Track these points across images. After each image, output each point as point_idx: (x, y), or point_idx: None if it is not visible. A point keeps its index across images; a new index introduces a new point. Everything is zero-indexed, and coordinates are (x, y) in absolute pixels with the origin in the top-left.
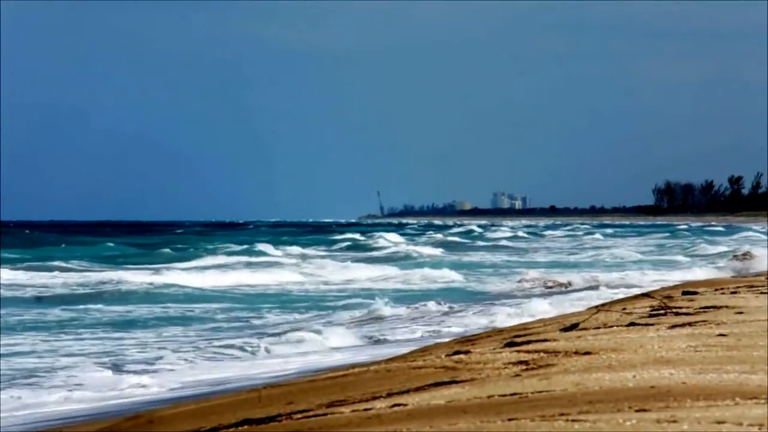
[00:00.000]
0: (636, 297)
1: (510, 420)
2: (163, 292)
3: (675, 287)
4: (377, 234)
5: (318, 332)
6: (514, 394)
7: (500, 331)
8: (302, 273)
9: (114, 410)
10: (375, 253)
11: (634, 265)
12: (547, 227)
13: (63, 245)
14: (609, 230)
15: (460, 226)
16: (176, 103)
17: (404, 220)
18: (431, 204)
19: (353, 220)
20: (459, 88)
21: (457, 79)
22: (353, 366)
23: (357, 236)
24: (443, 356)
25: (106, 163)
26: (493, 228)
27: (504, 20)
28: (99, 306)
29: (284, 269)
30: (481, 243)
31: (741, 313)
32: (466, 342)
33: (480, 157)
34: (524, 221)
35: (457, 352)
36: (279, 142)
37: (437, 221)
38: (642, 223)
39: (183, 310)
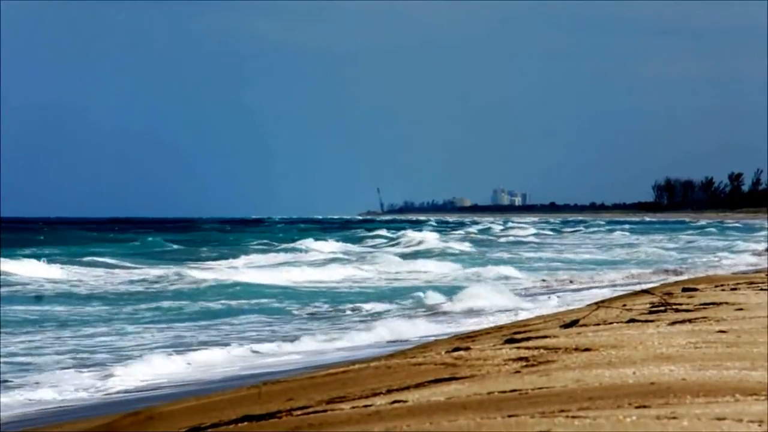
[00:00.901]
0: (636, 293)
1: (510, 416)
2: (257, 289)
3: (675, 284)
4: (407, 231)
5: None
6: (514, 390)
7: (500, 327)
8: (366, 268)
9: (113, 407)
10: (412, 249)
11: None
12: (564, 225)
13: (99, 242)
14: (625, 226)
15: (476, 223)
16: (176, 101)
17: (417, 217)
18: (431, 201)
19: (356, 217)
20: (459, 85)
21: (457, 76)
22: (353, 362)
23: (385, 232)
24: (443, 353)
25: (106, 161)
26: (511, 225)
27: (504, 19)
28: (205, 302)
29: (348, 265)
30: (507, 240)
31: (741, 309)
32: (466, 338)
33: (480, 154)
34: (530, 218)
35: (457, 349)
36: (279, 140)
37: (450, 218)
38: (649, 219)
39: (297, 303)
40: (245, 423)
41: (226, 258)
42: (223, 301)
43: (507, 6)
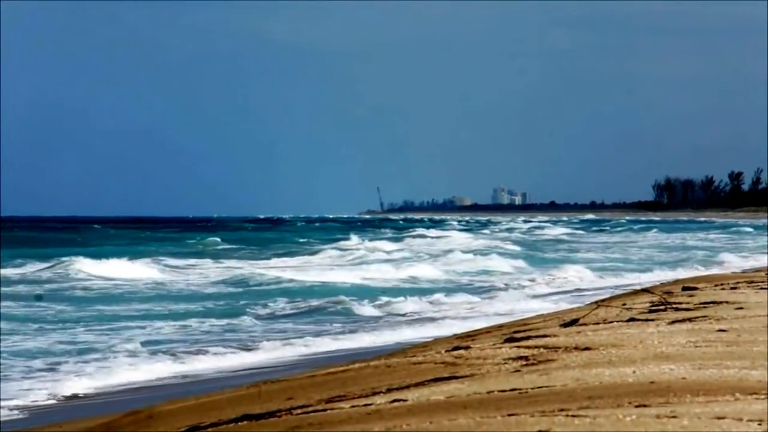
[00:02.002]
0: (636, 292)
1: (510, 415)
2: (365, 287)
3: (675, 283)
4: (448, 231)
5: None
6: (514, 389)
7: (500, 326)
8: (448, 266)
9: (114, 406)
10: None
11: None
12: (582, 223)
13: (157, 241)
14: (643, 226)
15: (497, 223)
16: (176, 101)
17: (433, 216)
18: (431, 200)
19: (355, 216)
20: (459, 84)
21: (457, 75)
22: (353, 361)
23: (424, 231)
24: (443, 352)
25: (106, 160)
26: (538, 225)
27: (504, 17)
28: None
29: (425, 263)
30: (546, 239)
31: (741, 308)
32: (466, 338)
33: (480, 153)
34: (541, 217)
35: (457, 348)
36: (279, 139)
37: (481, 217)
38: (657, 218)
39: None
40: (245, 422)
41: (293, 256)
42: (385, 308)
43: (507, 5)
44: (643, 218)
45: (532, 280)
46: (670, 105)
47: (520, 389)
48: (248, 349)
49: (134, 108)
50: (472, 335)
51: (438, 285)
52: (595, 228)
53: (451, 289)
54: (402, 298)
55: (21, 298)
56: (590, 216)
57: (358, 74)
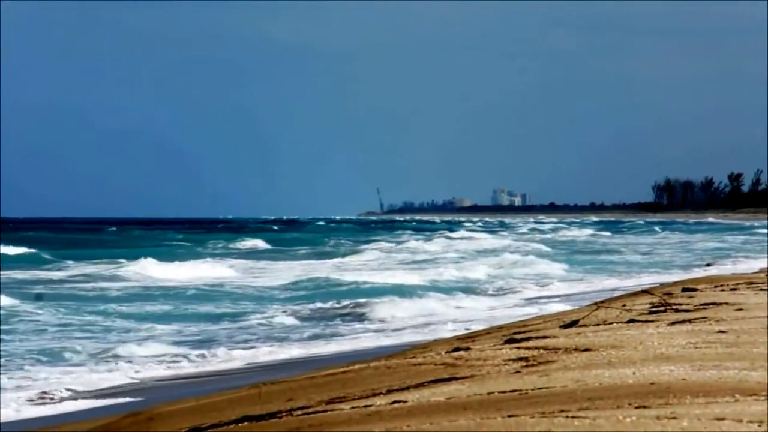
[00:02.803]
0: (636, 294)
1: (510, 417)
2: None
3: (675, 284)
4: (465, 231)
5: None
6: (514, 390)
7: (500, 327)
8: (506, 268)
9: (114, 408)
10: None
11: None
12: (597, 225)
13: (198, 242)
14: (658, 228)
15: (512, 225)
16: (176, 101)
17: (442, 218)
18: (431, 201)
19: (353, 217)
20: (459, 85)
21: (456, 76)
22: (353, 362)
23: (448, 233)
24: (443, 353)
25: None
26: (555, 227)
27: (504, 18)
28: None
29: (480, 264)
30: (574, 240)
31: (741, 309)
32: (466, 339)
33: (479, 154)
34: (554, 218)
35: (457, 349)
36: (278, 140)
37: (488, 218)
38: (659, 220)
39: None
40: (245, 423)
41: (340, 257)
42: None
43: (507, 5)
44: (655, 219)
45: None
46: (670, 106)
47: (520, 390)
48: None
49: (133, 108)
50: (472, 336)
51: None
52: (614, 229)
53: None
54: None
55: (125, 300)
56: (593, 218)
57: (357, 74)
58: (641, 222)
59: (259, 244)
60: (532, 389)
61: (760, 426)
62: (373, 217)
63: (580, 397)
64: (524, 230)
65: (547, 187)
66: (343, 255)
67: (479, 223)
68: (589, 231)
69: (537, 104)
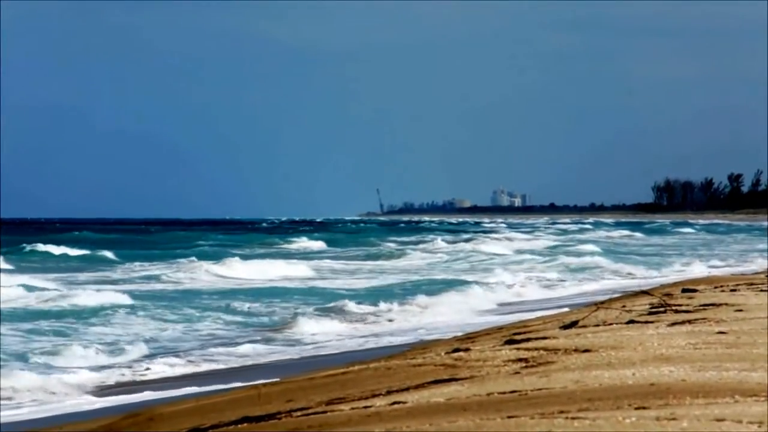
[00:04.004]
0: (635, 294)
1: (509, 417)
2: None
3: (674, 285)
4: (513, 233)
5: None
6: (514, 391)
7: (500, 328)
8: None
9: (114, 409)
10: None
11: None
12: (617, 226)
13: (239, 243)
14: (685, 229)
15: (532, 227)
16: (176, 102)
17: (451, 219)
18: (431, 201)
19: (354, 218)
20: (458, 86)
21: (456, 76)
22: (352, 363)
23: (480, 235)
24: (443, 354)
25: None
26: (583, 227)
27: (503, 18)
28: None
29: (554, 263)
30: (614, 241)
31: (741, 310)
32: (465, 339)
33: (479, 155)
34: (566, 219)
35: (457, 350)
36: (279, 140)
37: (529, 219)
38: (660, 221)
39: None
40: (245, 424)
41: (399, 257)
42: None
43: (507, 5)
44: (680, 221)
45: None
46: (670, 106)
47: (519, 391)
48: None
49: (133, 109)
50: (471, 337)
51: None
52: (640, 230)
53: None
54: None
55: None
56: (607, 219)
57: (357, 75)
58: (667, 222)
59: (315, 244)
60: (532, 390)
61: (760, 427)
62: (382, 218)
63: (580, 397)
64: (551, 231)
65: (547, 188)
66: (398, 256)
67: (502, 224)
68: (623, 232)
69: (537, 104)
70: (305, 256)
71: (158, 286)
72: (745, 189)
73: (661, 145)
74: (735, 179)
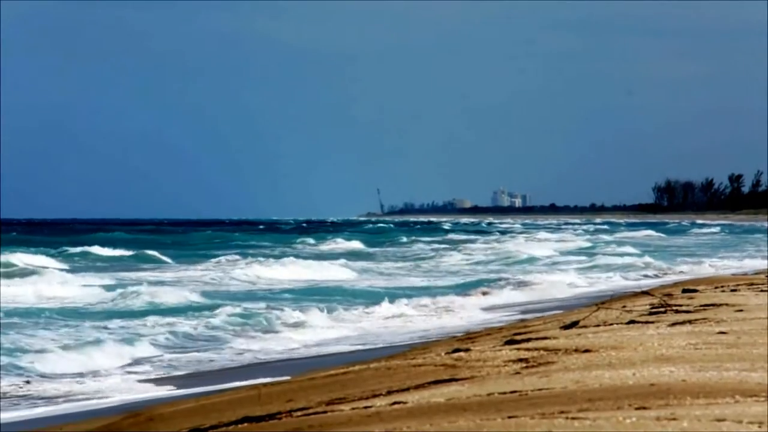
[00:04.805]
0: (636, 295)
1: (510, 418)
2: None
3: (675, 285)
4: (508, 233)
5: None
6: (514, 391)
7: (500, 328)
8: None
9: (114, 409)
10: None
11: None
12: (633, 227)
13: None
14: (708, 229)
15: (549, 227)
16: (177, 102)
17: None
18: (431, 202)
19: (353, 218)
20: (458, 86)
21: (456, 77)
22: (353, 363)
23: (507, 236)
24: (443, 354)
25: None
26: (598, 228)
27: (504, 19)
28: None
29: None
30: (630, 242)
31: (741, 311)
32: (466, 340)
33: (480, 156)
34: (576, 219)
35: (457, 350)
36: (279, 141)
37: (538, 220)
38: (659, 221)
39: None
40: (245, 424)
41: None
42: None
43: (507, 5)
44: (686, 221)
45: None
46: (670, 107)
47: (520, 391)
48: None
49: (130, 110)
50: (472, 337)
51: None
52: (661, 230)
53: None
54: None
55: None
56: (619, 219)
57: (357, 75)
58: (686, 223)
59: (353, 245)
60: (532, 390)
61: (760, 427)
62: (353, 217)
63: (580, 398)
64: (571, 231)
65: (548, 189)
66: (441, 256)
67: (517, 225)
68: (646, 232)
69: (537, 105)
70: (353, 255)
71: (222, 286)
72: (745, 189)
73: (661, 145)
74: (735, 180)
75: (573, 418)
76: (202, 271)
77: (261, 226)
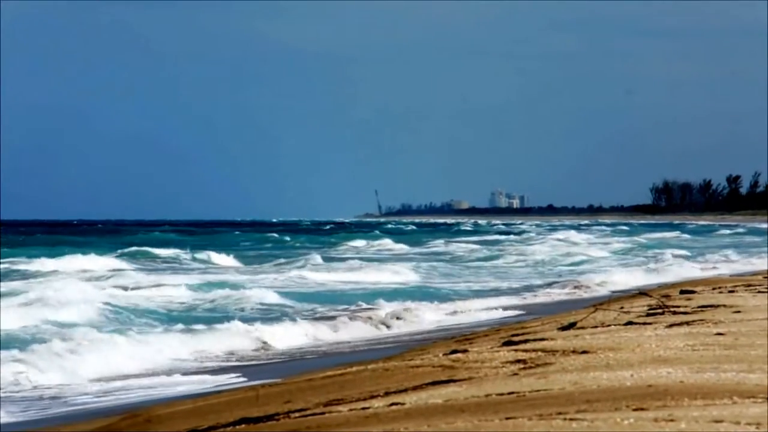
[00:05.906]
0: (634, 296)
1: (507, 419)
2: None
3: (673, 286)
4: (559, 233)
5: None
6: (512, 393)
7: (498, 329)
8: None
9: (113, 410)
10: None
11: None
12: (652, 227)
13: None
14: (723, 231)
15: (561, 228)
16: (176, 103)
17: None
18: (429, 203)
19: (352, 219)
20: (457, 86)
21: (455, 77)
22: (350, 365)
23: (540, 237)
24: (441, 355)
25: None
26: (617, 230)
27: (502, 19)
28: None
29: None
30: (667, 244)
31: (739, 312)
32: (463, 341)
33: (477, 156)
34: (583, 221)
35: (455, 351)
36: (277, 141)
37: (552, 221)
38: (680, 222)
39: None
40: (243, 425)
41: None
42: None
43: (507, 5)
44: (704, 223)
45: None
46: (668, 107)
47: (517, 392)
48: None
49: (130, 110)
50: (469, 338)
51: None
52: (680, 231)
53: None
54: None
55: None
56: (630, 220)
57: (356, 76)
58: (708, 224)
59: (398, 246)
60: (530, 391)
61: (757, 428)
62: (351, 219)
63: (578, 399)
64: (588, 233)
65: (545, 189)
66: (495, 257)
67: (525, 226)
68: (674, 233)
69: (536, 105)
70: (404, 257)
71: (295, 287)
72: (743, 190)
73: (659, 146)
74: (733, 181)
75: (571, 420)
76: (274, 274)
77: (280, 227)
